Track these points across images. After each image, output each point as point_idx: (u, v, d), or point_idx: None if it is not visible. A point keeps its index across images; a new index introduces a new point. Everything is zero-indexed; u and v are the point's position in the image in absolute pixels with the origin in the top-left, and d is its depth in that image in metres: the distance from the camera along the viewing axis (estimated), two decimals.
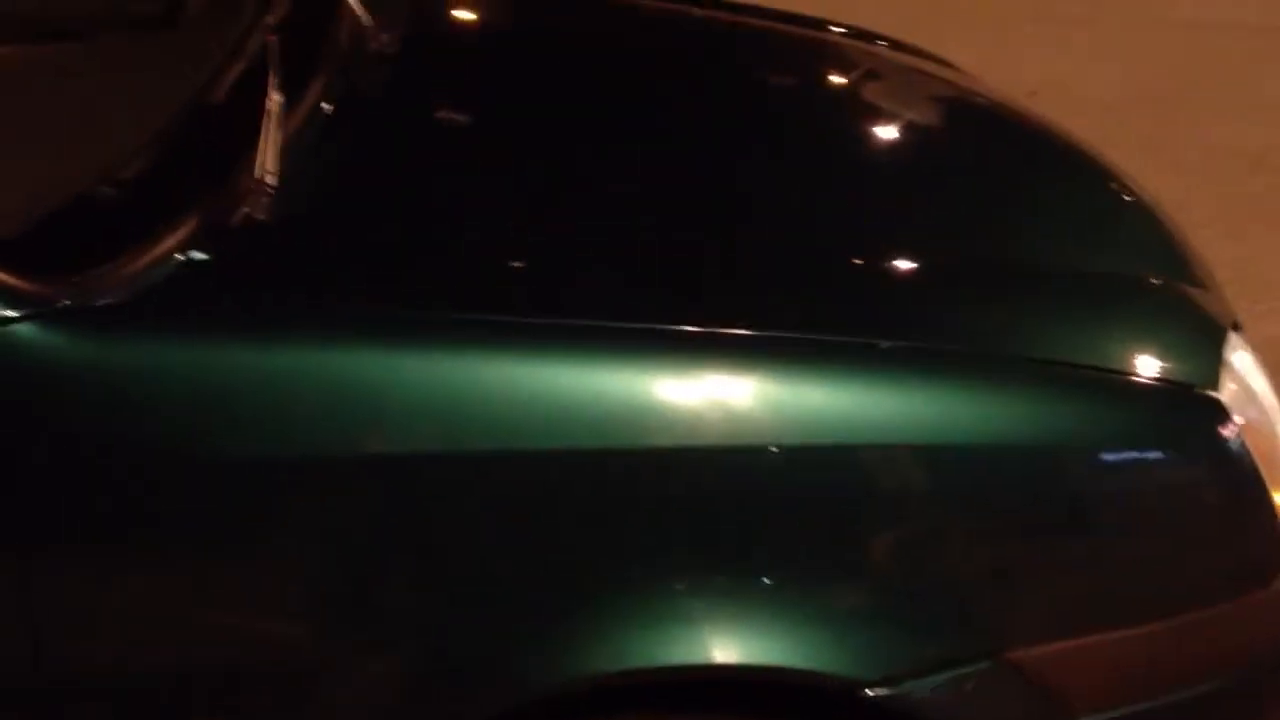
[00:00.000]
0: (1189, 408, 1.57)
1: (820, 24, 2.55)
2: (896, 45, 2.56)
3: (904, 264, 1.71)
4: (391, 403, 1.33)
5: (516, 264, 1.55)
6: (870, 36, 2.56)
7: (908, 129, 2.23)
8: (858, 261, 1.70)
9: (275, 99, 1.55)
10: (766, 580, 1.40)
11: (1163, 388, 1.59)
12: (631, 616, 1.36)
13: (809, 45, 2.45)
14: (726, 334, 1.45)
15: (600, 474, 1.36)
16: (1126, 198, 2.09)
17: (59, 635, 1.31)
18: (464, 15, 2.34)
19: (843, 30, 2.55)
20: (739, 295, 1.54)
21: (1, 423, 1.27)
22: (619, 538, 1.37)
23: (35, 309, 1.27)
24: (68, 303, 1.29)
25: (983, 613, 1.48)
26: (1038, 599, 1.49)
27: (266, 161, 1.45)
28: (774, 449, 1.39)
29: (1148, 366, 1.60)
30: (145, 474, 1.30)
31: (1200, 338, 1.71)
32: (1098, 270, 1.79)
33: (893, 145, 2.15)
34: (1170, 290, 1.82)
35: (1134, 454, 1.54)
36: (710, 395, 1.40)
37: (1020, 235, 1.85)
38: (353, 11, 1.89)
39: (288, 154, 1.49)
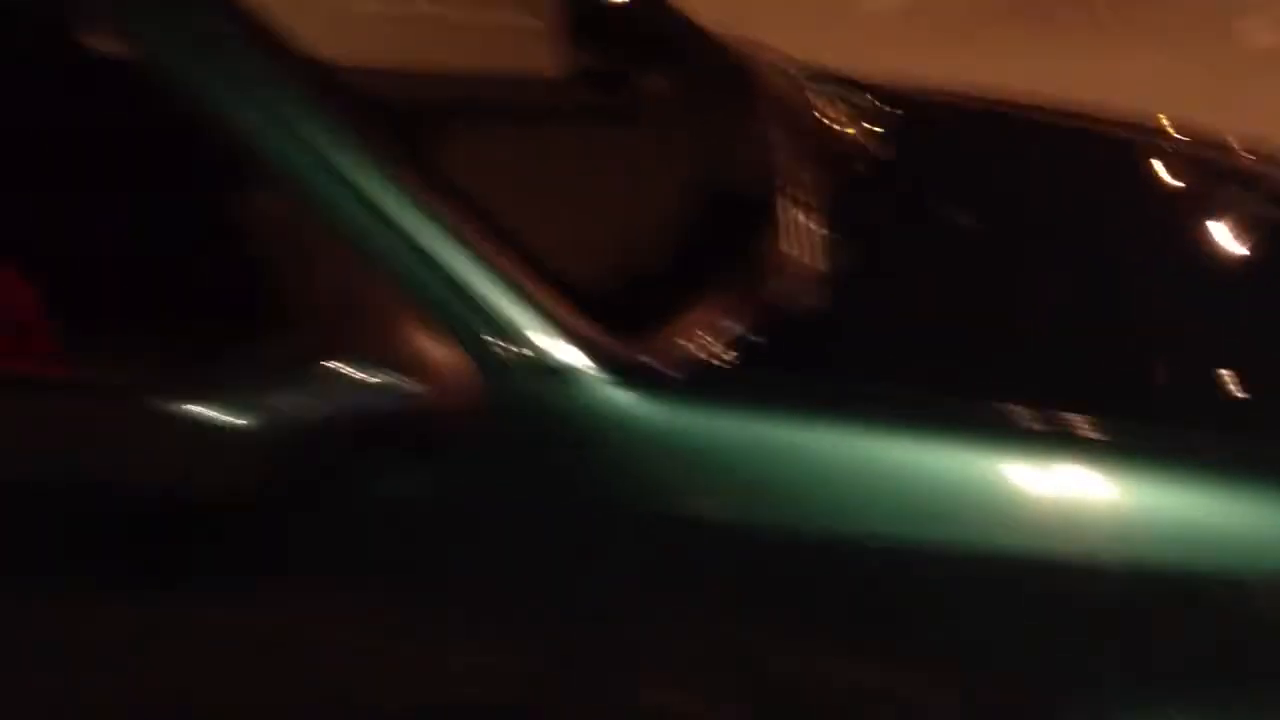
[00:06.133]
0: None
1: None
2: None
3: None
4: (921, 488, 1.36)
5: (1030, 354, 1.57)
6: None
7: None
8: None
9: (790, 185, 1.62)
10: None
11: None
12: None
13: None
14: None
15: None
16: None
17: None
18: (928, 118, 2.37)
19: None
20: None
21: (579, 488, 1.34)
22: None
23: (623, 375, 1.34)
24: (656, 370, 1.36)
25: None
26: None
27: (803, 244, 1.52)
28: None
29: None
30: (694, 544, 1.36)
31: None
32: None
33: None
34: None
35: None
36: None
37: None
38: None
39: (818, 240, 1.55)
